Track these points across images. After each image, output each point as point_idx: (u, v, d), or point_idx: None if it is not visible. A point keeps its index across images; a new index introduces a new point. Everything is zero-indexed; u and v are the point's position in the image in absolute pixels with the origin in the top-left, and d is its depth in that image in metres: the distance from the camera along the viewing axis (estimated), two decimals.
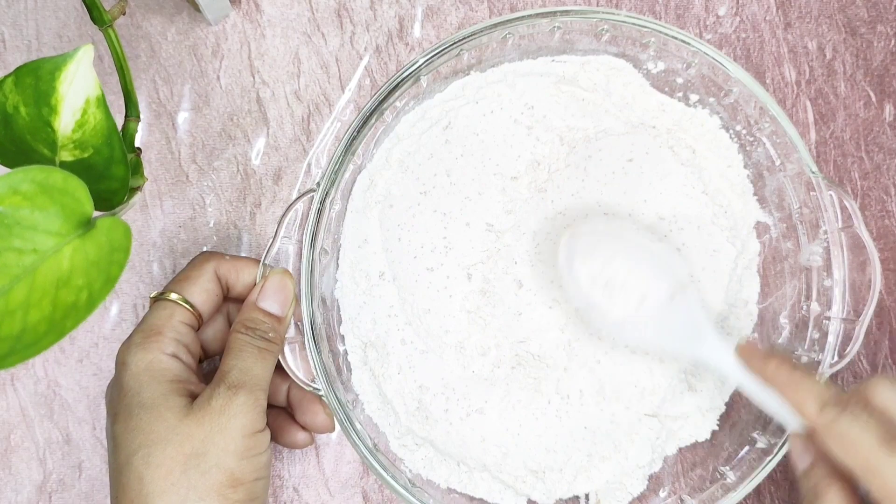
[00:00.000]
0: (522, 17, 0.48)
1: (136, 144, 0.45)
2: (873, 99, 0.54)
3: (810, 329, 0.49)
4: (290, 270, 0.47)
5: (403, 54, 0.54)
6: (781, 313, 0.51)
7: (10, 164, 0.38)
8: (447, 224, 0.51)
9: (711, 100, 0.50)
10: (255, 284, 0.47)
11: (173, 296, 0.45)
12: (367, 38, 0.54)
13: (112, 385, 0.44)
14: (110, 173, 0.38)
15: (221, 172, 0.54)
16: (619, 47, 0.51)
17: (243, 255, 0.50)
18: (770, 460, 0.47)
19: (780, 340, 0.51)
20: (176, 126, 0.54)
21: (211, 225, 0.54)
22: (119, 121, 0.40)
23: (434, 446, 0.50)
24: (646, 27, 0.48)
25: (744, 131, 0.50)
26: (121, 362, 0.44)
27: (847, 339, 0.47)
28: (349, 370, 0.51)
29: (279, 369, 0.47)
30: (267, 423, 0.45)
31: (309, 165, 0.54)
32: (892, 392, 0.40)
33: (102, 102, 0.37)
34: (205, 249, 0.52)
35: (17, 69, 0.36)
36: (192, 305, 0.46)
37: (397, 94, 0.48)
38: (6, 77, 0.37)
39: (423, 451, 0.51)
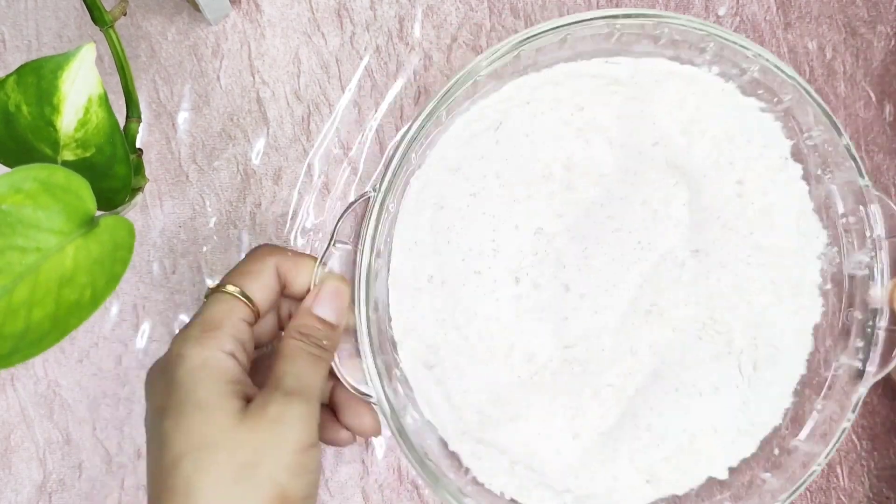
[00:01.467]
0: (582, 21, 0.47)
1: (137, 145, 0.45)
2: (873, 99, 0.54)
3: (853, 337, 0.49)
4: (343, 274, 0.46)
5: (403, 54, 0.54)
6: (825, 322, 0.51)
7: (12, 164, 0.38)
8: (496, 227, 0.50)
9: (763, 105, 0.50)
10: (310, 287, 0.46)
11: (233, 289, 0.44)
12: (367, 38, 0.55)
13: (159, 375, 0.42)
14: (113, 172, 0.38)
15: (221, 172, 0.54)
16: (677, 50, 0.50)
17: (304, 254, 0.48)
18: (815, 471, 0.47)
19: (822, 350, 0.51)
20: (176, 126, 0.54)
21: (211, 225, 0.54)
22: (119, 121, 0.40)
23: (486, 449, 0.50)
24: (703, 31, 0.47)
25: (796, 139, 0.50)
26: (176, 354, 0.41)
27: (890, 346, 0.47)
28: (401, 376, 0.50)
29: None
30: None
31: (309, 165, 0.54)
32: None
33: (105, 101, 0.37)
34: (264, 243, 0.51)
35: (19, 68, 0.36)
36: (251, 301, 0.44)
37: (454, 95, 0.47)
38: (8, 76, 0.37)
39: (475, 456, 0.50)
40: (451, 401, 0.50)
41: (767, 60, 0.47)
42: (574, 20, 0.47)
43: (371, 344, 0.46)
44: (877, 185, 0.54)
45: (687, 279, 0.50)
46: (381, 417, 0.46)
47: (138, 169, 0.44)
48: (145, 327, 0.54)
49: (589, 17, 0.47)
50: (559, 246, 0.50)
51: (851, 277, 0.49)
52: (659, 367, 0.50)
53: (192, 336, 0.42)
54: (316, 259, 0.46)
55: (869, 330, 0.48)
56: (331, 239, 0.46)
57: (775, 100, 0.49)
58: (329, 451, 0.53)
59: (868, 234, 0.48)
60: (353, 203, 0.46)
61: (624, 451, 0.49)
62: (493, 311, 0.50)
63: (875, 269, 0.48)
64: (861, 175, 0.47)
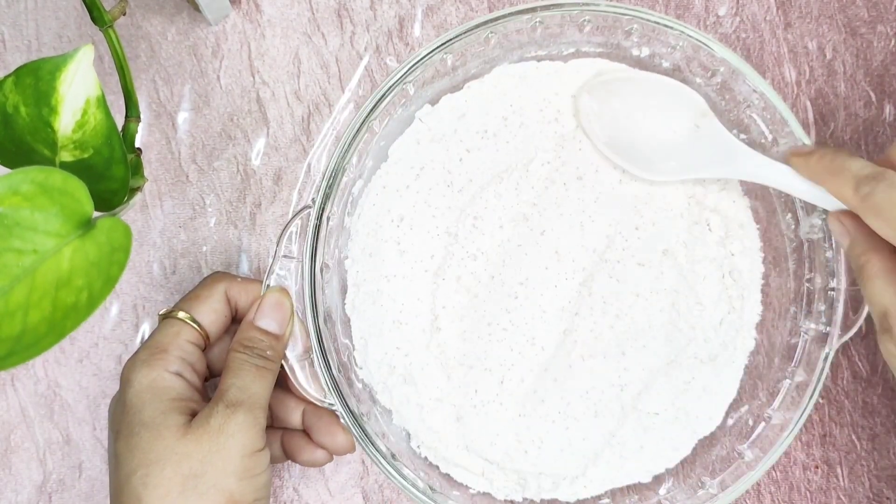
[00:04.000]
0: (502, 17, 0.48)
1: (136, 145, 0.45)
2: (873, 99, 0.54)
3: (815, 302, 0.49)
4: (289, 289, 0.47)
5: (404, 54, 0.54)
6: (785, 288, 0.51)
7: (10, 165, 0.38)
8: (447, 230, 0.51)
9: (699, 81, 0.50)
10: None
11: (182, 314, 0.45)
12: (367, 38, 0.54)
13: (115, 401, 0.44)
14: (110, 174, 0.38)
15: (221, 172, 0.54)
16: (604, 36, 0.51)
17: (253, 278, 0.50)
18: (787, 437, 0.48)
19: (787, 319, 0.51)
20: (176, 126, 0.54)
21: (211, 225, 0.54)
22: (119, 121, 0.40)
23: (453, 447, 0.51)
24: (626, 14, 0.48)
25: (735, 111, 0.51)
26: (125, 379, 0.44)
27: (855, 307, 0.48)
28: (361, 382, 0.51)
29: (290, 391, 0.48)
30: (279, 444, 0.45)
31: (309, 165, 0.54)
32: None
33: (103, 103, 0.37)
34: (216, 271, 0.52)
35: (18, 69, 0.36)
36: (199, 325, 0.46)
37: (383, 105, 0.48)
38: (6, 77, 0.37)
39: (443, 454, 0.51)
40: (407, 401, 0.51)
41: (690, 36, 0.49)
42: (491, 17, 0.48)
43: (325, 353, 0.47)
44: None
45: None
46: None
47: (137, 168, 0.44)
48: (145, 327, 0.54)
49: (506, 13, 0.48)
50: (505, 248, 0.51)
51: (809, 242, 0.50)
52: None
53: (140, 360, 0.44)
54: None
55: (831, 293, 0.48)
56: (275, 256, 0.47)
57: (709, 73, 0.50)
58: None
59: None
60: (292, 219, 0.47)
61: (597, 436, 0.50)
62: (449, 307, 0.51)
63: (826, 232, 0.48)
64: (804, 140, 0.48)
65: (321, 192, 0.47)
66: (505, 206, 0.51)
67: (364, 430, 0.47)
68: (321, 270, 0.48)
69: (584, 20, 0.49)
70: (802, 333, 0.50)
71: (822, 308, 0.49)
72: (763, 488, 0.53)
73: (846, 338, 0.47)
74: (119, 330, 0.54)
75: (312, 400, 0.47)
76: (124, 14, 0.44)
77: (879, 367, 0.53)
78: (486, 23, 0.48)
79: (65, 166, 0.37)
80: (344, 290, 0.51)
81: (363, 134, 0.48)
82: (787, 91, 0.54)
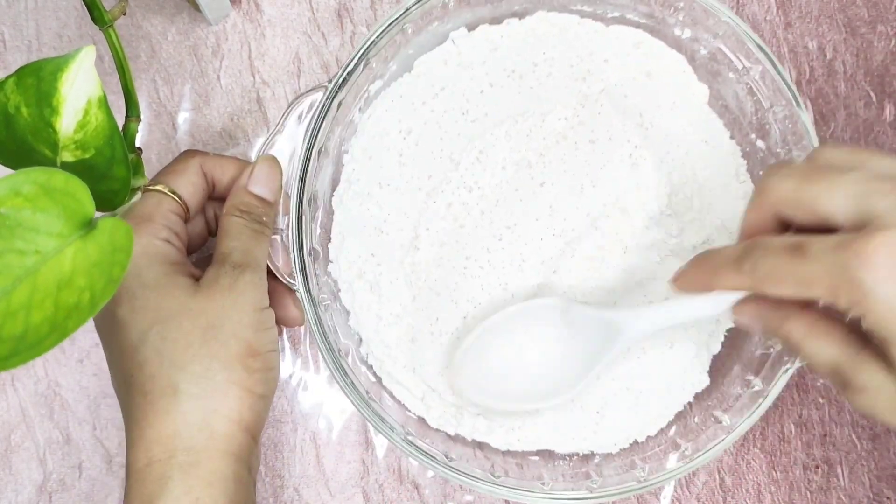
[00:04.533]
0: None
1: (137, 144, 0.45)
2: (873, 99, 0.54)
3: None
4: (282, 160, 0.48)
5: None
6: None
7: (12, 165, 0.38)
8: (451, 152, 0.51)
9: (731, 76, 0.51)
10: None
11: (161, 186, 0.46)
12: None
13: None
14: (112, 174, 0.38)
15: None
16: (650, 7, 0.51)
17: (227, 155, 0.50)
18: (763, 402, 0.47)
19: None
20: (176, 126, 0.54)
21: None
22: (119, 121, 0.40)
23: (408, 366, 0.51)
24: None
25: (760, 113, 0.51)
26: None
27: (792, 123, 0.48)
28: (328, 276, 0.51)
29: None
30: None
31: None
32: (777, 179, 0.40)
33: (104, 103, 0.37)
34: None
35: (19, 70, 0.37)
36: (180, 197, 0.46)
37: (420, 7, 0.48)
38: (8, 77, 0.37)
39: (388, 368, 0.51)
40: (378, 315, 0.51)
41: (736, 26, 0.49)
42: None
43: (300, 231, 0.47)
44: None
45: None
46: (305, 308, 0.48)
47: (138, 168, 0.44)
48: None
49: None
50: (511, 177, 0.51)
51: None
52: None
53: None
54: (241, 161, 0.49)
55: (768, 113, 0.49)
56: (275, 127, 0.48)
57: (744, 69, 0.50)
58: (330, 451, 0.53)
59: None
60: (305, 93, 0.48)
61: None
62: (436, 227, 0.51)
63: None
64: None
65: (339, 76, 0.48)
66: (512, 147, 0.51)
67: (318, 317, 0.47)
68: (318, 153, 0.48)
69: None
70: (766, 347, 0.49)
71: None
72: (763, 488, 0.53)
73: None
74: None
75: (276, 272, 0.48)
76: (124, 14, 0.44)
77: None
78: None
79: (66, 166, 0.37)
80: (335, 183, 0.51)
81: (395, 33, 0.48)
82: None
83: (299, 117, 0.48)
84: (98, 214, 0.35)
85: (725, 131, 0.52)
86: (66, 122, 0.36)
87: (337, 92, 0.48)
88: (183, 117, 0.54)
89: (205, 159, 0.48)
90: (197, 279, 0.44)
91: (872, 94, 0.54)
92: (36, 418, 0.53)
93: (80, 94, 0.36)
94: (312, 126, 0.48)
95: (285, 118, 0.48)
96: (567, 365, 0.48)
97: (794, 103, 0.48)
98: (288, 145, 0.48)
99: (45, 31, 0.54)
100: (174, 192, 0.46)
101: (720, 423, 0.49)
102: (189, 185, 0.46)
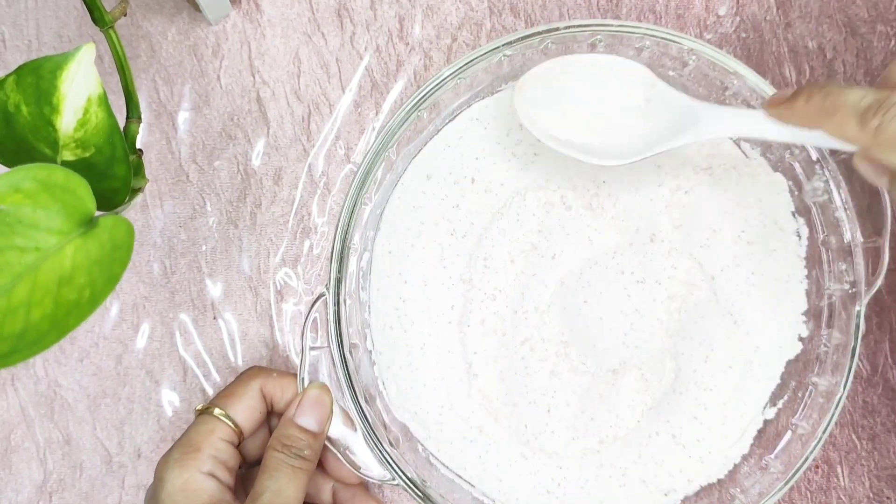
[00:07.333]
0: (516, 40, 0.48)
1: (137, 145, 0.45)
2: None
3: (835, 262, 0.48)
4: (325, 379, 0.48)
5: (403, 54, 0.54)
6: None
7: (12, 164, 0.38)
8: (461, 279, 0.51)
9: (713, 97, 0.50)
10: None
11: (217, 411, 0.46)
12: (368, 38, 0.54)
13: (149, 497, 0.45)
14: (112, 172, 0.38)
15: (221, 172, 0.54)
16: (618, 54, 0.50)
17: (289, 373, 0.50)
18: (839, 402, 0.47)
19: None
20: (176, 126, 0.54)
21: (211, 225, 0.54)
22: (120, 122, 0.40)
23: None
24: (637, 32, 0.48)
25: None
26: (158, 478, 0.44)
27: (875, 260, 0.46)
28: (421, 447, 0.51)
29: (319, 467, 0.49)
30: None
31: (309, 166, 0.54)
32: None
33: (104, 101, 0.37)
34: (253, 365, 0.52)
35: (19, 68, 0.37)
36: (234, 422, 0.46)
37: (371, 175, 0.48)
38: (8, 76, 0.37)
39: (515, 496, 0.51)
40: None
41: (701, 51, 0.48)
42: (504, 41, 0.48)
43: (374, 430, 0.47)
44: None
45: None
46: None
47: (138, 169, 0.44)
48: (145, 327, 0.54)
49: (520, 36, 0.48)
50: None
51: (816, 205, 0.49)
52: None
53: (173, 459, 0.45)
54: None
55: (846, 249, 0.48)
56: (302, 351, 0.48)
57: (722, 86, 0.49)
58: (330, 451, 0.53)
59: (813, 157, 0.48)
60: (311, 308, 0.48)
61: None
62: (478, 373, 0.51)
63: (832, 191, 0.47)
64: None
65: (332, 278, 0.47)
66: (511, 239, 0.51)
67: (427, 496, 0.47)
68: (350, 352, 0.48)
69: (597, 39, 0.49)
70: (828, 297, 0.49)
71: (843, 267, 0.48)
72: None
73: (875, 289, 0.46)
74: (119, 329, 0.54)
75: (365, 477, 0.48)
76: (125, 14, 0.44)
77: (879, 366, 0.53)
78: (493, 49, 0.48)
79: (66, 165, 0.37)
80: (373, 362, 0.51)
81: (357, 209, 0.48)
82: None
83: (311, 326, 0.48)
84: (98, 213, 0.35)
85: None
86: (67, 120, 0.36)
87: (338, 292, 0.47)
88: (183, 117, 0.54)
89: (266, 380, 0.48)
90: None
91: None
92: (36, 418, 0.53)
93: (80, 92, 0.36)
94: (335, 334, 0.47)
95: (304, 339, 0.48)
96: (636, 133, 0.47)
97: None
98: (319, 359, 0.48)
99: (45, 30, 0.54)
100: (229, 418, 0.46)
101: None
102: (246, 410, 0.47)
